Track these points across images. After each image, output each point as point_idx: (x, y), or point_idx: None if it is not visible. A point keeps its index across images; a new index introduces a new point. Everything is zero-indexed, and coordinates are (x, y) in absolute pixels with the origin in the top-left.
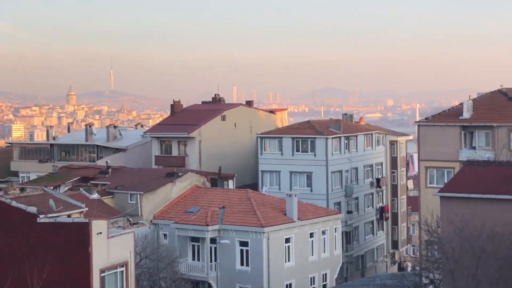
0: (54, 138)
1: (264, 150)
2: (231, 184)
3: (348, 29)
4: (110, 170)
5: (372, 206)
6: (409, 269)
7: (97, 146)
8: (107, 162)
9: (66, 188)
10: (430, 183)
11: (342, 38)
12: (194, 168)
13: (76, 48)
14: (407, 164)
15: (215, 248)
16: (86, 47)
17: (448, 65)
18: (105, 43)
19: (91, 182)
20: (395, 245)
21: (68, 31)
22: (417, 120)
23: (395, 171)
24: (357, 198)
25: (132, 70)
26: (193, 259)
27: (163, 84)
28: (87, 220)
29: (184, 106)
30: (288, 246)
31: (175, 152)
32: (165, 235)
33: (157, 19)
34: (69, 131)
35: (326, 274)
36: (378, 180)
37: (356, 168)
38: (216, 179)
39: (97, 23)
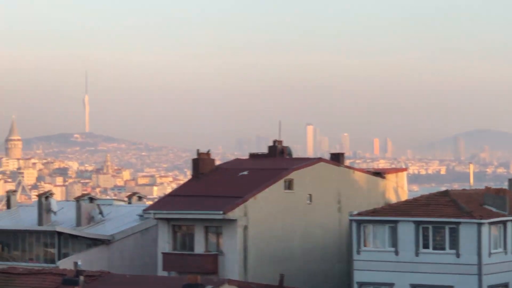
0: None
1: (364, 245)
2: None
3: None
4: (82, 278)
5: None
6: None
7: (60, 233)
8: (76, 263)
9: None
10: None
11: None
12: (234, 276)
13: (25, 56)
14: None
15: None
16: (41, 52)
17: None
18: (77, 48)
19: None
20: None
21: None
22: None
23: None
24: None
25: (123, 95)
26: None
27: (178, 123)
28: None
29: (216, 163)
30: None
31: (199, 247)
32: None
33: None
34: (8, 206)
35: None
36: None
37: None
38: None
39: (63, 16)
